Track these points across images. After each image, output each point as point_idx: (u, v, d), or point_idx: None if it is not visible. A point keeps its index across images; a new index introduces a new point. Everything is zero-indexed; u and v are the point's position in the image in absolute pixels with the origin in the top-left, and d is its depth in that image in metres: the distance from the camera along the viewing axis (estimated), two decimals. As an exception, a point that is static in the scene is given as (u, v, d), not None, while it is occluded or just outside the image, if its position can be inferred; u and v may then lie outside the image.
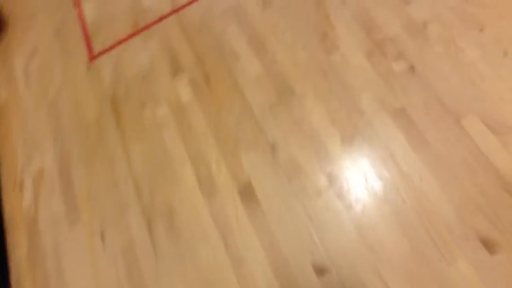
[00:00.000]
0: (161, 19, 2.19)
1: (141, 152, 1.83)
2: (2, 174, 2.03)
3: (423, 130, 1.54)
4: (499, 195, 1.37)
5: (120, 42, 2.20)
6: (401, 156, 1.52)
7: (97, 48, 2.24)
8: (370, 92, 1.67)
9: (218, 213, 1.61)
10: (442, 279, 1.31)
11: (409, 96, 1.62)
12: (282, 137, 1.69)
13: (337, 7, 1.89)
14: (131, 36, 2.20)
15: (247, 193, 1.61)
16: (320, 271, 1.44)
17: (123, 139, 1.89)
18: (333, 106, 1.69)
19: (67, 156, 1.94)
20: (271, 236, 1.53)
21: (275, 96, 1.78)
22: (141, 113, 1.94)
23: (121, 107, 1.99)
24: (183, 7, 2.18)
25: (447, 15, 1.73)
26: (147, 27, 2.19)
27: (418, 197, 1.45)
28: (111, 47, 2.20)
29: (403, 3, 1.80)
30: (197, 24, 2.09)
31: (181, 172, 1.73)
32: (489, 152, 1.45)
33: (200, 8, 2.13)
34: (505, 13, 1.68)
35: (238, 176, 1.66)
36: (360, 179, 1.54)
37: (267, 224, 1.55)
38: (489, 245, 1.31)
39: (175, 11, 2.18)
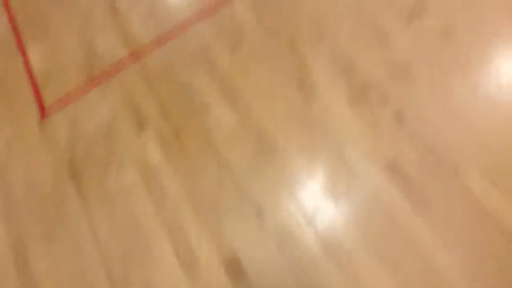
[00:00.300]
0: (119, 66, 1.98)
1: (108, 225, 1.62)
2: None
3: (420, 186, 1.42)
4: (515, 262, 1.26)
5: (75, 95, 1.97)
6: (401, 217, 1.39)
7: (49, 102, 2.00)
8: (357, 143, 1.54)
9: (203, 295, 1.43)
10: None
11: (400, 146, 1.50)
12: (268, 199, 1.53)
13: (312, 50, 1.75)
14: (87, 87, 1.98)
15: (234, 269, 1.44)
16: None
17: (86, 210, 1.67)
18: (319, 162, 1.54)
19: (22, 234, 1.69)
20: (266, 318, 1.36)
21: (255, 152, 1.62)
22: (104, 178, 1.72)
23: (81, 172, 1.76)
24: (143, 52, 1.99)
25: (430, 54, 1.63)
26: (104, 76, 1.98)
27: (424, 265, 1.32)
28: (65, 101, 1.97)
29: (382, 44, 1.69)
30: (161, 72, 1.90)
31: (157, 248, 1.53)
32: (493, 207, 1.35)
33: (163, 54, 1.95)
34: (490, 44, 1.60)
35: (222, 248, 1.48)
36: (358, 244, 1.40)
37: (260, 304, 1.38)
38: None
39: (133, 56, 1.98)
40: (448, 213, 1.38)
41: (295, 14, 1.86)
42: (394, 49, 1.66)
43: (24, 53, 2.22)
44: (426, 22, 1.68)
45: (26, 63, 2.18)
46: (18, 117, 1.99)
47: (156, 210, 1.59)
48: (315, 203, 1.48)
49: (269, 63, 1.79)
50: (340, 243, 1.41)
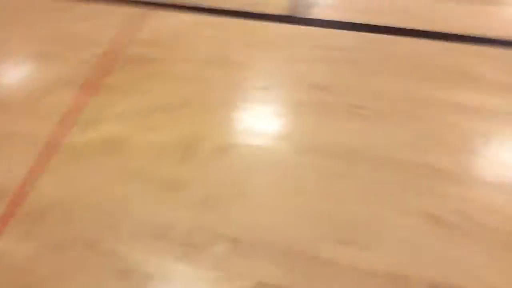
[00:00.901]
0: None
1: None
2: None
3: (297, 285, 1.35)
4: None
5: None
6: None
7: None
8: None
9: None
10: None
11: (254, 270, 1.36)
12: None
13: (112, 235, 1.55)
14: None
15: None
16: None
17: None
18: None
19: None
20: None
21: None
22: None
23: None
24: None
25: (217, 176, 1.66)
26: None
27: None
28: None
29: (173, 192, 1.62)
30: None
31: None
32: (352, 263, 1.37)
33: None
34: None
35: None
36: None
37: None
38: None
39: None
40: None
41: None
42: (187, 189, 1.65)
43: None
44: (200, 154, 1.77)
45: None
46: None
47: None
48: None
49: (80, 279, 1.49)
50: None
